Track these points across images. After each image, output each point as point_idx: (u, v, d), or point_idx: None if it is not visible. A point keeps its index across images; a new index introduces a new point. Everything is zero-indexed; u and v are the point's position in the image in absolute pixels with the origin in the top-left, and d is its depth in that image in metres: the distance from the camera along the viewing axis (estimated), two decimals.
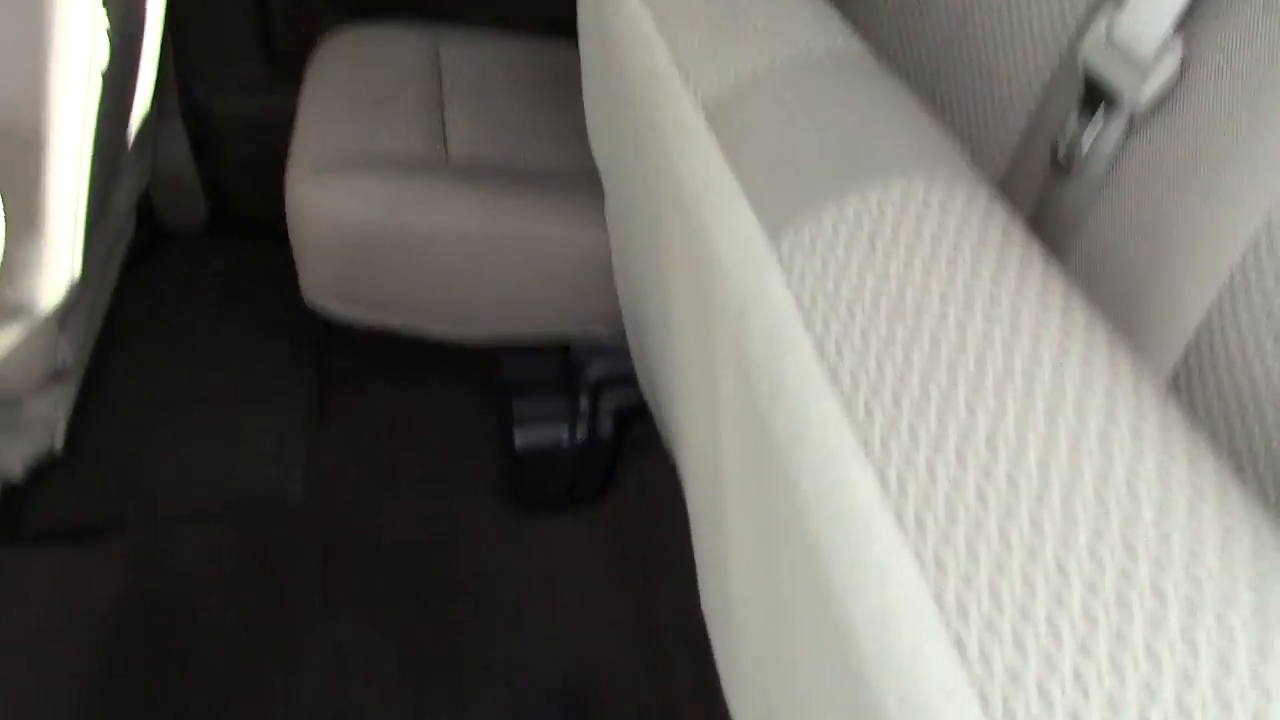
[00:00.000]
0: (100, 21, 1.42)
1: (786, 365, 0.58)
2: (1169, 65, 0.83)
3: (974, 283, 0.55)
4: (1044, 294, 0.55)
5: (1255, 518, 0.45)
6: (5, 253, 1.31)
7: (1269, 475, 0.71)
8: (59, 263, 1.46)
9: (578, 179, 1.66)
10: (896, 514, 0.49)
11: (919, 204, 0.61)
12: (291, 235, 1.63)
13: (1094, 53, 0.89)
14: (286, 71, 2.14)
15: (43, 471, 1.67)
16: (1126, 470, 0.46)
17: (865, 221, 0.61)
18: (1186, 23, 0.83)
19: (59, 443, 1.67)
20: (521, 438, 1.74)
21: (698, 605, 0.88)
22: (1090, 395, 0.49)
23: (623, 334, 1.62)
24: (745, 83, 0.77)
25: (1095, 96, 0.89)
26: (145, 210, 2.22)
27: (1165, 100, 0.84)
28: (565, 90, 1.86)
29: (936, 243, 0.58)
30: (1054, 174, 0.93)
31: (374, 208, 1.55)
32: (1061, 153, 0.91)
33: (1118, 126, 0.87)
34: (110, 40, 1.49)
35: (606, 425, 1.77)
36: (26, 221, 1.37)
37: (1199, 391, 0.76)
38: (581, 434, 1.75)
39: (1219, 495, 0.45)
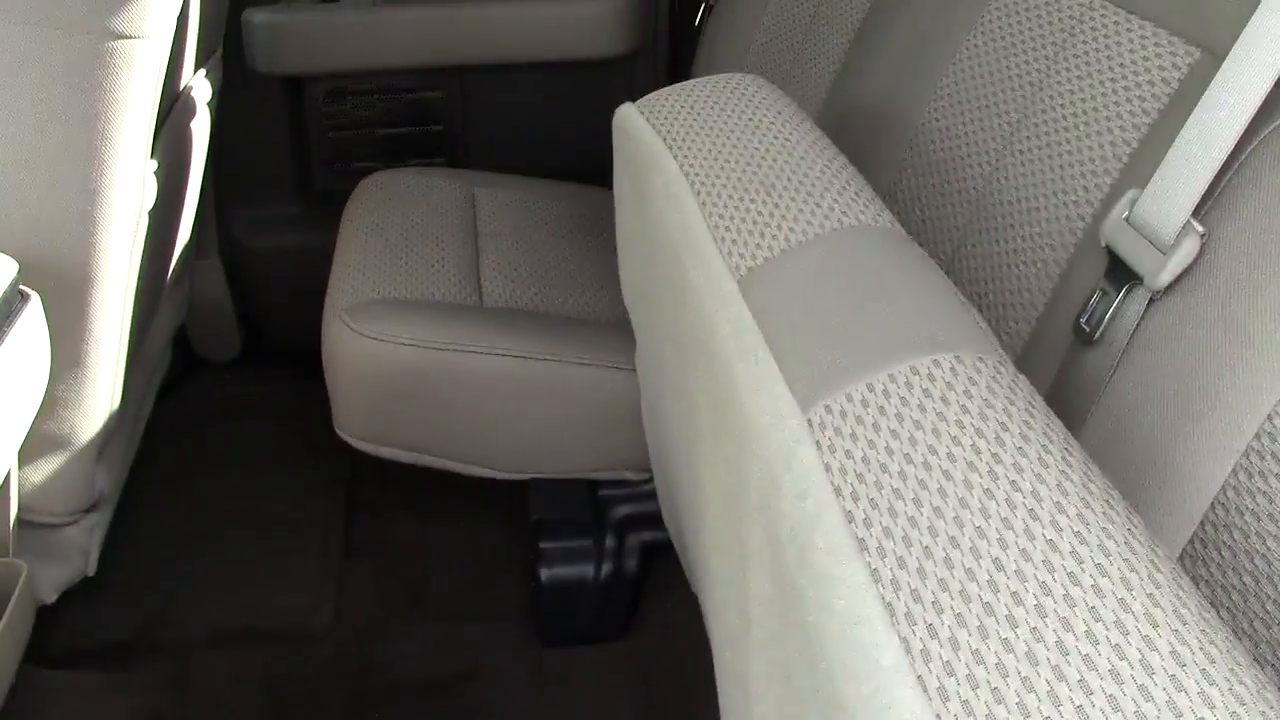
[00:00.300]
0: (150, 165, 1.47)
1: (815, 531, 0.60)
2: (1188, 248, 0.86)
3: (997, 462, 0.58)
4: (1064, 475, 0.58)
5: (1265, 696, 0.47)
6: (49, 386, 1.35)
7: None
8: (100, 396, 1.49)
9: (609, 324, 1.70)
10: (920, 680, 0.51)
11: (945, 383, 0.64)
12: (327, 374, 1.67)
13: (1115, 232, 0.93)
14: (323, 210, 2.19)
15: (73, 593, 1.68)
16: (1140, 650, 0.49)
17: (894, 397, 0.64)
18: (1204, 206, 0.87)
19: (92, 568, 1.69)
20: (547, 573, 1.75)
21: None
22: (1106, 579, 0.52)
23: (649, 474, 1.64)
24: (778, 253, 0.80)
25: (1117, 271, 0.92)
26: (179, 340, 2.26)
27: (1184, 277, 0.87)
28: (597, 235, 1.91)
29: (961, 420, 0.61)
30: (1076, 342, 0.96)
31: (409, 350, 1.59)
32: (1084, 322, 0.94)
33: (1138, 300, 0.90)
34: (158, 180, 1.54)
35: (631, 562, 1.79)
36: (72, 357, 1.41)
37: (1215, 559, 0.78)
38: (606, 570, 1.76)
39: (1229, 675, 0.48)
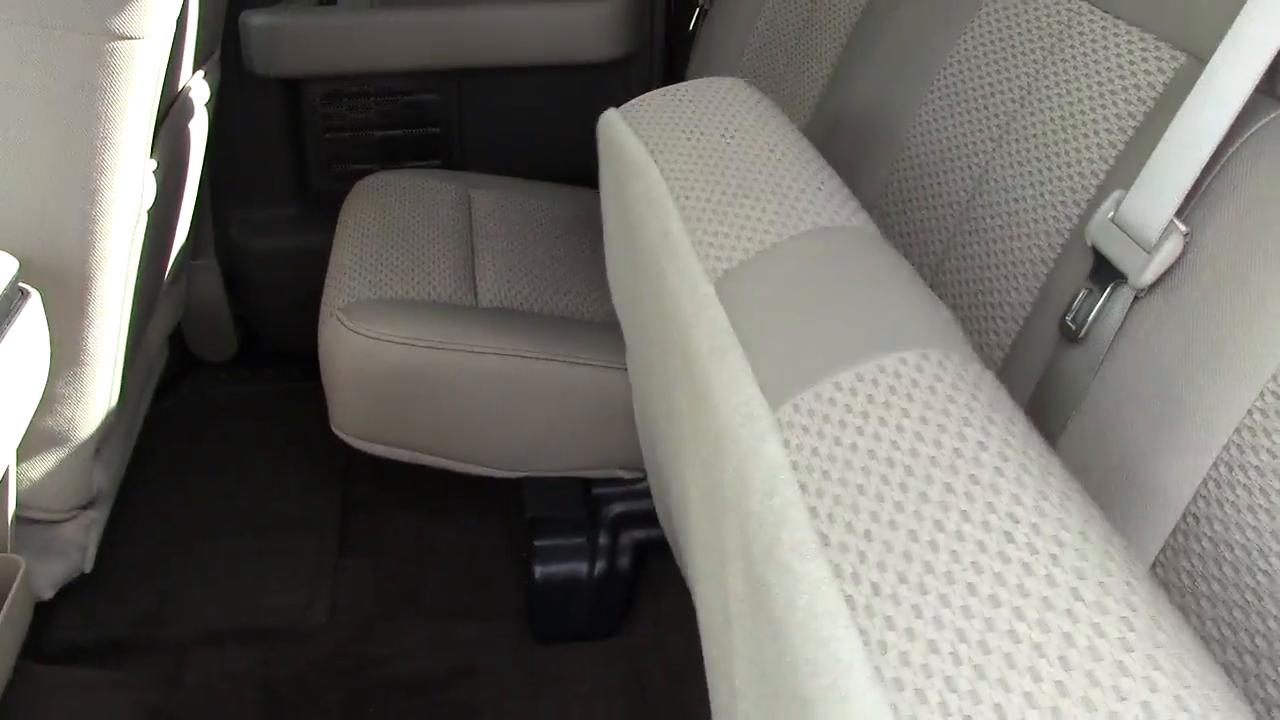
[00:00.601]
0: (149, 165, 1.48)
1: (781, 527, 0.62)
2: (1171, 247, 0.88)
3: (958, 456, 0.60)
4: (1024, 469, 0.59)
5: (1208, 679, 0.48)
6: (48, 383, 1.36)
7: (1260, 643, 0.74)
8: (99, 393, 1.51)
9: (602, 324, 1.71)
10: (877, 671, 0.52)
11: (910, 380, 0.65)
12: (323, 373, 1.68)
13: (1101, 231, 0.94)
14: (320, 212, 2.20)
15: (70, 589, 1.69)
16: (1088, 637, 0.50)
17: (861, 394, 0.65)
18: (1187, 206, 0.88)
19: (89, 565, 1.70)
20: (541, 570, 1.76)
21: None
22: (1059, 568, 0.53)
23: (642, 473, 1.65)
24: (753, 255, 0.81)
25: (1102, 270, 0.94)
26: (175, 340, 2.28)
27: (1168, 276, 0.89)
28: (591, 236, 1.92)
29: (925, 416, 0.62)
30: (1062, 340, 0.97)
31: (405, 349, 1.60)
32: (1069, 321, 0.96)
33: (1123, 299, 0.92)
34: (157, 180, 1.55)
35: (625, 560, 1.79)
36: (71, 354, 1.42)
37: (1196, 551, 0.79)
38: (600, 568, 1.77)
39: (1176, 659, 0.49)
